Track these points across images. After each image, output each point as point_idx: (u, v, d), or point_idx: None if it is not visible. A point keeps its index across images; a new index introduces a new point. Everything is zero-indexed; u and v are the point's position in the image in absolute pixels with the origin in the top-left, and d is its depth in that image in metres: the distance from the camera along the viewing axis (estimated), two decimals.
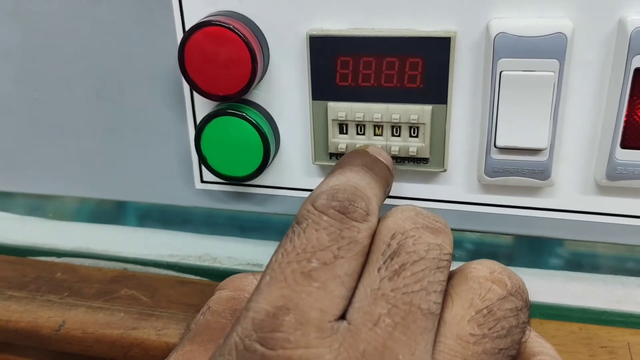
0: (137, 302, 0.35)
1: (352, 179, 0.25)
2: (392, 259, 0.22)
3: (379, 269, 0.22)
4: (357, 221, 0.23)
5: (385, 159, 0.30)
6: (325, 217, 0.22)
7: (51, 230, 0.42)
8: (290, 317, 0.20)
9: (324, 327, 0.20)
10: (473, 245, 0.42)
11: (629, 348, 0.30)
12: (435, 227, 0.23)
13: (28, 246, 0.42)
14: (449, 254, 0.23)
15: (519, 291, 0.23)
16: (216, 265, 0.37)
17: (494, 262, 0.24)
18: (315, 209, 0.23)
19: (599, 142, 0.31)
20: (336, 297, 0.21)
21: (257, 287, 0.22)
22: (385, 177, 0.28)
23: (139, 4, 0.34)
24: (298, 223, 0.23)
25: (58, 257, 0.40)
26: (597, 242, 0.33)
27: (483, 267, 0.23)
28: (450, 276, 0.24)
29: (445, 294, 0.23)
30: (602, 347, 0.30)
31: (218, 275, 0.37)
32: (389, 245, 0.22)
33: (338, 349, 0.20)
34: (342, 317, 0.21)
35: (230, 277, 0.28)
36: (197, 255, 0.38)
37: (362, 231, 0.23)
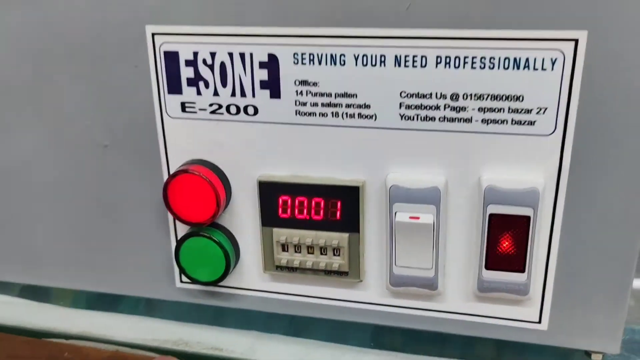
0: None
1: None
2: None
3: None
4: None
5: None
6: None
7: (61, 316, 0.52)
8: None
9: None
10: None
11: None
12: None
13: (42, 329, 0.52)
14: None
15: None
16: (186, 349, 0.47)
17: None
18: None
19: (474, 263, 0.42)
20: None
21: None
22: None
23: (135, 151, 0.46)
24: None
25: (66, 339, 0.50)
26: (475, 337, 0.43)
27: None
28: None
29: None
30: None
31: (187, 357, 0.47)
32: None
33: None
34: None
35: None
36: (173, 340, 0.48)
37: None
